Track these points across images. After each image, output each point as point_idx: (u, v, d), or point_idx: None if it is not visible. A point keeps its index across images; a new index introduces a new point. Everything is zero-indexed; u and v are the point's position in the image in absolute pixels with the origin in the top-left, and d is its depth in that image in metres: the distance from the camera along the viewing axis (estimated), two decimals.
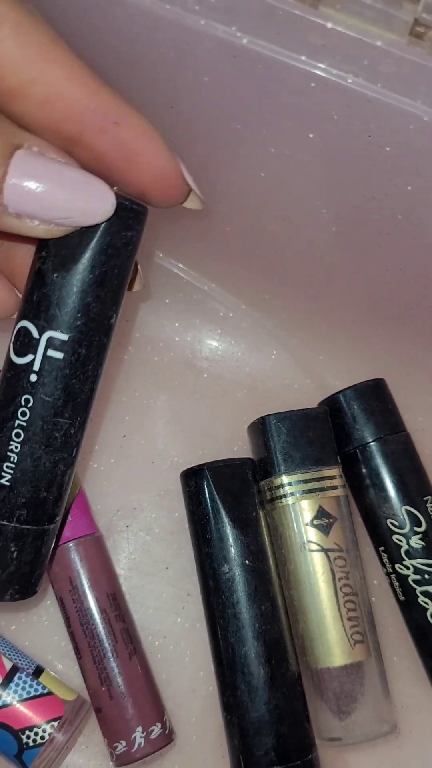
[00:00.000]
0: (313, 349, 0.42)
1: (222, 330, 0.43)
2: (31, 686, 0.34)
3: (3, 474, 0.27)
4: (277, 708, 0.34)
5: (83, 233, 0.25)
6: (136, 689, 0.35)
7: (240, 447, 0.41)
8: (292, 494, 0.36)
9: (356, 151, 0.30)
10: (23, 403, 0.26)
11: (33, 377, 0.26)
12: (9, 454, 0.26)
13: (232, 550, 0.36)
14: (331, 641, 0.35)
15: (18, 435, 0.26)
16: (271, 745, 0.34)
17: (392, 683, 0.37)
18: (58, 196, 0.24)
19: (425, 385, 0.42)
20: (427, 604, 0.37)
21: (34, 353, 0.26)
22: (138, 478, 0.40)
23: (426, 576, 0.37)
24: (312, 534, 0.36)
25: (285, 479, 0.37)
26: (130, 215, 0.26)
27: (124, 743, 0.34)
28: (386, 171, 0.30)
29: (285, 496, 0.36)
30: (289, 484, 0.37)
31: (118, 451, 0.40)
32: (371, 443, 0.38)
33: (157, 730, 0.34)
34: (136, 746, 0.34)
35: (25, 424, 0.26)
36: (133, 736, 0.34)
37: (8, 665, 0.34)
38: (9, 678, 0.34)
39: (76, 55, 0.25)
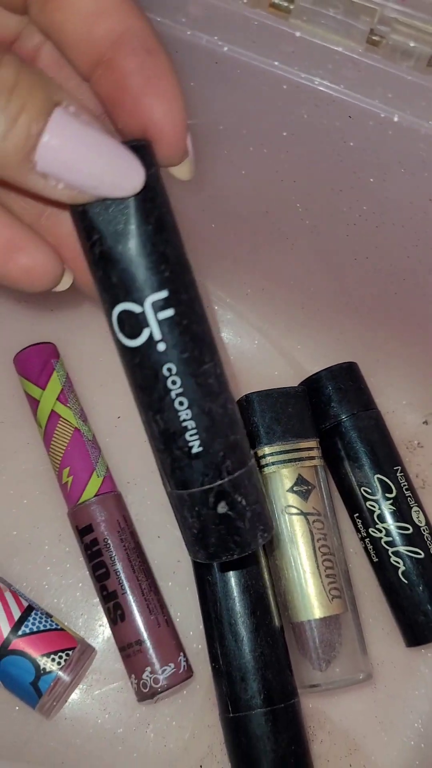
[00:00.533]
0: (292, 338, 0.46)
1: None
2: (46, 622, 0.38)
3: (192, 444, 0.26)
4: (262, 656, 0.37)
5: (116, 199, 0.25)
6: (171, 620, 0.40)
7: None
8: (273, 464, 0.40)
9: (324, 147, 0.34)
10: (167, 374, 0.26)
11: (161, 346, 0.25)
12: (185, 424, 0.26)
13: None
14: (311, 595, 0.38)
15: (182, 403, 0.26)
16: (257, 689, 0.37)
17: (368, 641, 0.40)
18: (92, 164, 0.23)
19: (393, 369, 0.45)
20: (398, 563, 0.40)
21: (148, 325, 0.25)
22: (132, 455, 0.43)
23: (396, 538, 0.40)
24: (292, 499, 0.40)
25: (267, 450, 0.40)
26: (144, 154, 0.25)
27: (172, 665, 0.38)
28: (350, 164, 0.34)
29: (267, 465, 0.40)
30: (271, 454, 0.40)
31: (113, 430, 0.44)
32: (345, 419, 0.42)
33: (186, 659, 0.39)
34: (182, 668, 0.38)
35: (181, 390, 0.26)
36: (179, 658, 0.38)
37: (25, 604, 0.38)
38: (26, 614, 0.37)
39: None
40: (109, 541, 0.39)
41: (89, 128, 0.23)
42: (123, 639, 0.38)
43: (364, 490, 0.41)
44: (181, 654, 0.39)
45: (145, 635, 0.38)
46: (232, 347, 0.46)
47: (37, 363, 0.42)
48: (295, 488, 0.40)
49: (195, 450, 0.26)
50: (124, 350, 0.26)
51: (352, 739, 0.40)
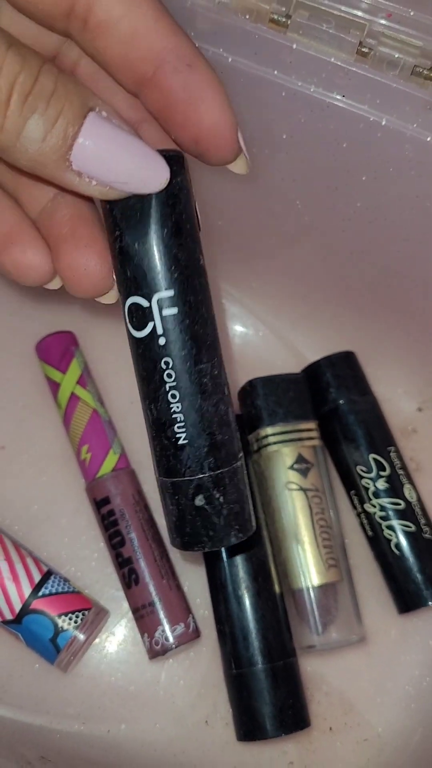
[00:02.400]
0: (295, 328, 0.49)
1: (215, 314, 0.50)
2: (64, 585, 0.41)
3: (178, 435, 0.28)
4: (263, 617, 0.40)
5: (142, 199, 0.27)
6: (180, 585, 0.43)
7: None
8: (275, 443, 0.43)
9: (319, 148, 0.37)
10: (164, 367, 0.28)
11: (161, 341, 0.27)
12: (174, 416, 0.28)
13: None
14: (309, 564, 0.41)
15: (174, 396, 0.28)
16: (258, 648, 0.40)
17: (362, 610, 0.43)
18: (122, 162, 0.26)
19: (390, 359, 0.48)
20: (391, 536, 0.43)
21: (152, 319, 0.27)
22: (144, 438, 0.46)
23: (390, 512, 0.43)
24: (292, 476, 0.43)
25: (269, 430, 0.43)
26: (172, 164, 0.27)
27: (182, 625, 0.41)
28: (344, 164, 0.37)
29: (269, 444, 0.43)
30: (273, 434, 0.43)
31: (127, 414, 0.47)
32: (343, 403, 0.45)
33: (194, 620, 0.42)
34: (191, 628, 0.41)
35: (174, 383, 0.28)
36: (189, 619, 0.41)
37: (45, 569, 0.41)
38: (46, 577, 0.40)
39: None
40: (124, 512, 0.42)
41: (119, 130, 0.26)
42: (137, 601, 0.41)
43: (360, 469, 0.44)
44: (191, 615, 0.42)
45: (157, 597, 0.41)
46: (238, 337, 0.49)
47: (59, 349, 0.45)
48: (295, 466, 0.43)
49: (181, 441, 0.28)
50: (131, 340, 0.28)
51: (348, 699, 0.43)
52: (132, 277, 0.28)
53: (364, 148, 0.36)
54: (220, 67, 0.35)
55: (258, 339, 0.50)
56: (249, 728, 0.39)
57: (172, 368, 0.28)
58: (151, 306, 0.27)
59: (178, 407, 0.28)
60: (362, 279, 0.45)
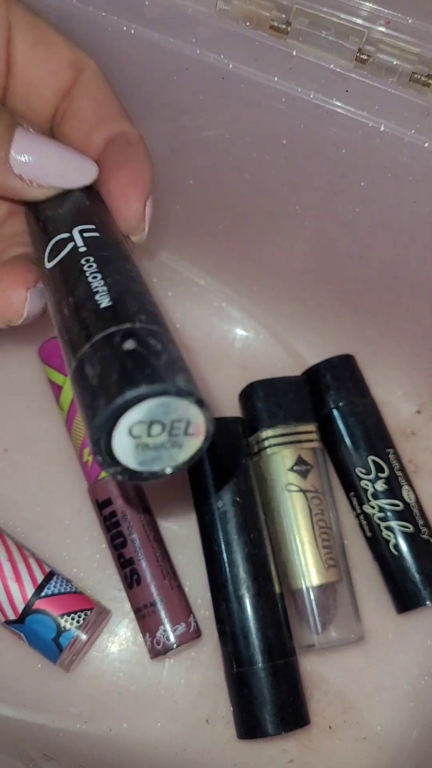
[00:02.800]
0: (295, 332, 0.50)
1: (216, 317, 0.50)
2: (66, 585, 0.41)
3: (100, 301, 0.26)
4: (263, 617, 0.40)
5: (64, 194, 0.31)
6: (181, 585, 0.43)
7: (232, 415, 0.48)
8: (275, 445, 0.43)
9: (319, 153, 0.38)
10: (84, 263, 0.28)
11: (82, 249, 0.28)
12: (96, 289, 0.27)
13: (226, 489, 0.43)
14: (309, 564, 0.42)
15: (95, 276, 0.27)
16: (258, 647, 0.40)
17: (362, 610, 0.44)
18: (53, 162, 0.31)
19: (389, 362, 0.49)
20: (389, 537, 0.43)
21: (72, 240, 0.29)
22: None
23: (388, 513, 0.43)
24: (292, 477, 0.43)
25: (270, 432, 0.44)
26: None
27: (183, 625, 0.41)
28: (343, 169, 0.38)
29: (270, 446, 0.44)
30: (273, 436, 0.44)
31: None
32: (342, 405, 0.45)
33: (195, 621, 0.43)
34: (192, 628, 0.42)
35: (95, 266, 0.28)
36: (189, 619, 0.42)
37: (47, 569, 0.41)
38: (48, 578, 0.41)
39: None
40: (126, 513, 0.43)
41: (44, 138, 0.31)
42: (138, 601, 0.42)
43: (359, 471, 0.44)
44: (191, 615, 0.42)
45: (158, 597, 0.41)
46: (238, 341, 0.50)
47: (59, 352, 0.46)
48: (295, 468, 0.43)
49: (104, 305, 0.26)
50: (50, 272, 0.29)
51: (347, 698, 0.43)
52: (54, 226, 0.30)
53: (362, 153, 0.37)
54: (221, 72, 0.35)
55: (258, 342, 0.50)
56: (249, 726, 0.40)
57: (93, 260, 0.28)
58: (72, 234, 0.29)
59: (99, 281, 0.27)
60: (361, 283, 0.46)
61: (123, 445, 0.24)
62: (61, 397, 0.45)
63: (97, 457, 0.24)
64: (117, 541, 0.43)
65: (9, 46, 0.33)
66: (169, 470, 0.25)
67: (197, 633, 0.42)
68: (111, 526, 0.43)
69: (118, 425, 0.24)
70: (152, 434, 0.24)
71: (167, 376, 0.24)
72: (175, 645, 0.41)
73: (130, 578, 0.42)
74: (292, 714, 0.40)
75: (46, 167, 0.31)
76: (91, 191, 0.32)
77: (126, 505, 0.43)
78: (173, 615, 0.41)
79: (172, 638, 0.41)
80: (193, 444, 0.25)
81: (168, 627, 0.41)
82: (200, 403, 0.24)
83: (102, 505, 0.43)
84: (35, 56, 0.33)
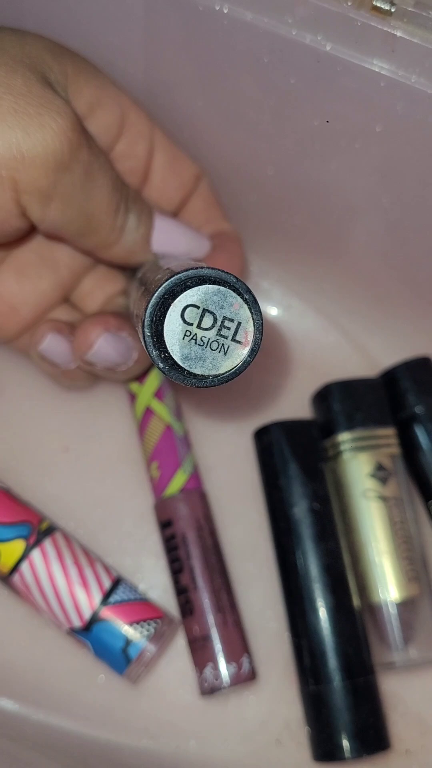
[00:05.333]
0: (368, 332, 0.48)
1: (287, 316, 0.48)
2: (134, 592, 0.39)
3: None
4: (343, 632, 0.38)
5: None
6: (239, 620, 0.40)
7: (304, 417, 0.46)
8: (353, 449, 0.41)
9: (415, 141, 0.36)
10: None
11: None
12: None
13: (302, 494, 0.40)
14: (389, 576, 0.40)
15: None
16: (337, 663, 0.38)
17: None
18: (182, 239, 0.38)
19: None
20: None
21: None
22: (212, 442, 0.45)
23: None
24: (371, 484, 0.41)
25: (347, 436, 0.42)
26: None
27: (234, 665, 0.38)
28: None
29: (347, 450, 0.41)
30: (351, 440, 0.42)
31: (194, 418, 0.45)
32: (420, 410, 0.43)
33: (250, 662, 0.39)
34: (243, 668, 0.39)
35: None
36: (242, 659, 0.39)
37: (114, 575, 0.39)
38: (116, 584, 0.39)
39: None
40: (186, 537, 0.40)
41: (176, 221, 0.38)
42: (190, 632, 0.40)
43: None
44: (245, 654, 0.39)
45: (210, 632, 0.39)
46: (309, 340, 0.48)
47: None
48: (373, 473, 0.41)
49: None
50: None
51: (425, 721, 0.41)
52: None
53: None
54: (317, 55, 0.33)
55: (330, 341, 0.48)
56: (328, 747, 0.37)
57: None
58: None
59: None
60: None
61: (173, 328, 0.26)
62: (135, 405, 0.43)
63: (146, 333, 0.26)
64: (174, 566, 0.41)
65: (150, 160, 0.40)
66: (209, 378, 0.27)
67: (250, 675, 0.39)
68: (169, 549, 0.41)
69: (175, 302, 0.26)
70: (203, 326, 0.26)
71: (230, 274, 0.26)
72: (221, 686, 0.38)
73: (184, 607, 0.40)
74: (373, 736, 0.37)
75: (176, 242, 0.37)
76: None
77: (187, 528, 0.41)
78: (224, 653, 0.39)
79: (219, 678, 0.38)
80: (238, 353, 0.27)
81: (217, 665, 0.39)
82: (254, 305, 0.26)
83: (163, 526, 0.41)
84: (170, 170, 0.40)
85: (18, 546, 0.39)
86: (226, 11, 0.34)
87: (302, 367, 0.47)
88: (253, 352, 0.27)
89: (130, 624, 0.38)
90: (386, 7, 0.33)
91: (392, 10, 0.33)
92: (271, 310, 0.48)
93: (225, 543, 0.43)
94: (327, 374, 0.45)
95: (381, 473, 0.41)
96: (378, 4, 0.33)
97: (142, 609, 0.39)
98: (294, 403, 0.46)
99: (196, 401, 0.46)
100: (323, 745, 0.38)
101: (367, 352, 0.48)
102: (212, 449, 0.45)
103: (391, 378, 0.44)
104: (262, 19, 0.33)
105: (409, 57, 0.33)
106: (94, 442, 0.45)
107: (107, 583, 0.39)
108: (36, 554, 0.39)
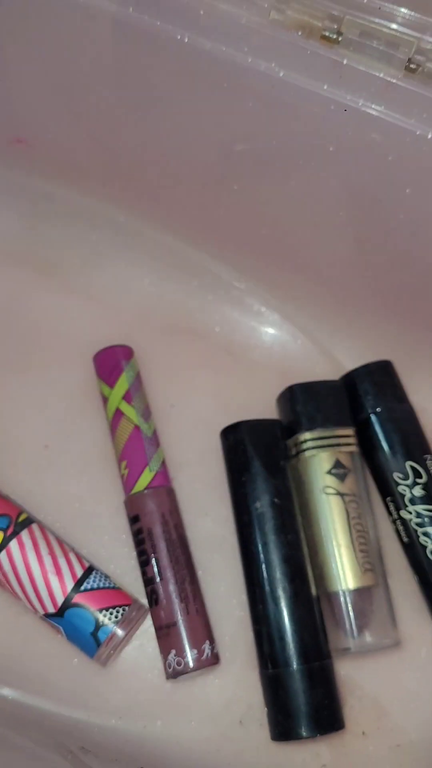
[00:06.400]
0: (333, 337, 0.50)
1: (256, 321, 0.51)
2: (105, 580, 0.42)
3: None
4: (300, 619, 0.41)
5: None
6: (202, 609, 0.43)
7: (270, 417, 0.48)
8: (313, 448, 0.44)
9: (366, 160, 0.38)
10: None
11: None
12: None
13: (264, 490, 0.43)
14: (345, 567, 0.42)
15: None
16: (295, 648, 0.40)
17: (398, 617, 0.44)
18: None
19: (427, 369, 0.49)
20: (427, 542, 0.43)
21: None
22: (184, 440, 0.48)
23: (426, 519, 0.44)
24: (330, 480, 0.43)
25: (308, 435, 0.44)
26: None
27: (196, 651, 0.41)
28: (389, 177, 0.38)
29: (308, 449, 0.44)
30: (312, 439, 0.44)
31: (167, 418, 0.48)
32: (380, 411, 0.46)
33: (212, 647, 0.42)
34: (205, 655, 0.41)
35: None
36: (204, 645, 0.41)
37: (86, 564, 0.42)
38: (88, 572, 0.42)
39: None
40: (152, 532, 0.43)
41: None
42: (156, 620, 0.42)
43: (396, 476, 0.45)
44: (207, 642, 0.42)
45: (174, 620, 0.41)
46: (277, 345, 0.50)
47: (109, 364, 0.47)
48: (332, 471, 0.44)
49: None
50: None
51: (381, 705, 0.43)
52: None
53: (409, 161, 0.37)
54: (271, 81, 0.36)
55: (296, 347, 0.51)
56: (284, 728, 0.40)
57: None
58: None
59: None
60: (402, 289, 0.46)
61: None
62: (107, 408, 0.46)
63: None
64: (142, 558, 0.43)
65: None
66: None
67: (213, 660, 0.42)
68: (137, 543, 0.43)
69: None
70: None
71: None
72: (184, 671, 0.41)
73: (150, 597, 0.42)
74: (328, 717, 0.40)
75: None
76: None
77: (152, 523, 0.43)
78: (187, 640, 0.41)
79: (182, 663, 0.41)
80: None
81: (179, 651, 0.41)
82: None
83: (131, 521, 0.44)
84: None
85: None
86: (186, 40, 0.36)
87: (271, 371, 0.50)
88: None
89: (100, 610, 0.41)
90: (333, 36, 0.35)
91: (339, 39, 0.35)
92: (242, 317, 0.51)
93: (194, 535, 0.45)
94: (294, 378, 0.47)
95: (339, 471, 0.44)
96: (326, 34, 0.35)
97: (113, 596, 0.41)
98: (262, 404, 0.48)
99: (169, 403, 0.48)
100: (280, 725, 0.40)
101: (333, 357, 0.50)
102: (183, 447, 0.48)
103: (352, 380, 0.47)
104: (219, 47, 0.36)
105: (356, 82, 0.36)
106: (72, 441, 0.48)
107: (80, 572, 0.41)
108: (13, 544, 0.41)
